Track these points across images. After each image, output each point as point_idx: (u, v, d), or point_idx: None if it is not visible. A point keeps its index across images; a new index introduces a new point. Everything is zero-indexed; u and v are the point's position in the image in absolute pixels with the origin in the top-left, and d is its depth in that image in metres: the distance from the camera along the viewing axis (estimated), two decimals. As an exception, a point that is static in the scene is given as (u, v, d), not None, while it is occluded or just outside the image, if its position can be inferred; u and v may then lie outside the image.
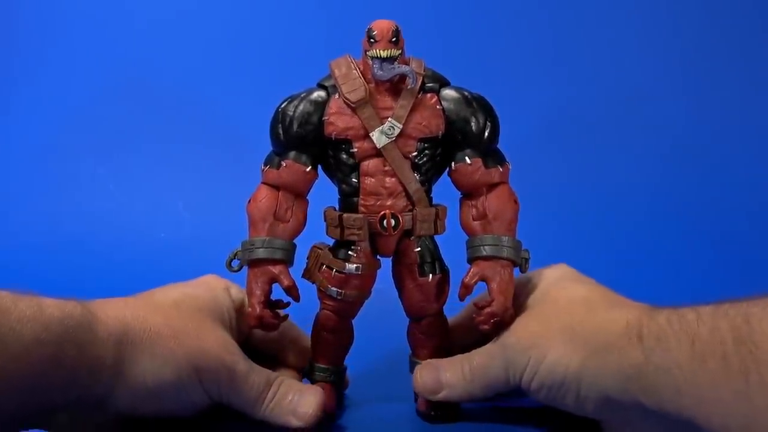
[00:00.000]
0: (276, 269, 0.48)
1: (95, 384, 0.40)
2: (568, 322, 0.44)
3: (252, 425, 0.47)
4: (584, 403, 0.43)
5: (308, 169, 0.49)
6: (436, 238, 0.51)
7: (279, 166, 0.49)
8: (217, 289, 0.50)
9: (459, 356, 0.49)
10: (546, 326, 0.45)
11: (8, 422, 0.38)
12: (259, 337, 0.53)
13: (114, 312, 0.42)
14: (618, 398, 0.40)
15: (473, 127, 0.49)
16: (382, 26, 0.47)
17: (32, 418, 0.40)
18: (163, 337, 0.43)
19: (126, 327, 0.42)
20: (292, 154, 0.49)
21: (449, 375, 0.48)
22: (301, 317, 0.52)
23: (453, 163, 0.50)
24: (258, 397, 0.46)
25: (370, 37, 0.47)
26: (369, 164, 0.49)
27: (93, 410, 0.42)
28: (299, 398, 0.47)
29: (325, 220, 0.51)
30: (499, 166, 0.50)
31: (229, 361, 0.45)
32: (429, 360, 0.50)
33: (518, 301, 0.50)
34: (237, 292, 0.51)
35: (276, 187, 0.49)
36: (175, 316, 0.45)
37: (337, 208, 0.51)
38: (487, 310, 0.48)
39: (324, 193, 0.52)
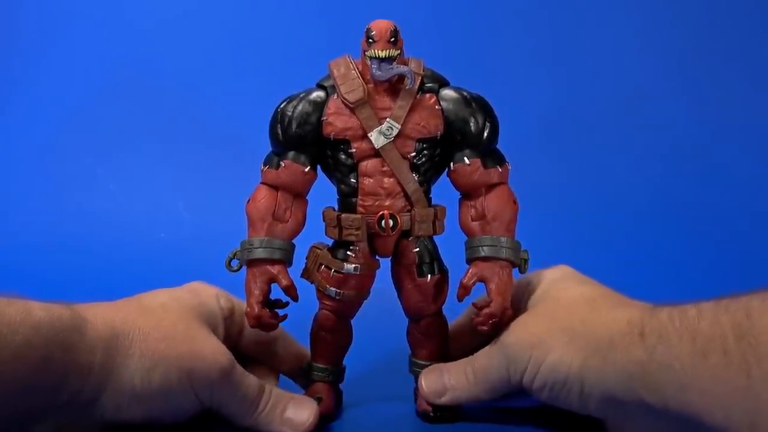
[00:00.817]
0: (274, 269, 0.48)
1: (83, 388, 0.40)
2: (570, 321, 0.44)
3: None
4: (587, 402, 0.42)
5: (307, 170, 0.49)
6: (436, 238, 0.51)
7: (278, 166, 0.49)
8: (206, 294, 0.50)
9: (463, 360, 0.49)
10: (547, 326, 0.45)
11: None
12: (248, 345, 0.53)
13: (102, 315, 0.42)
14: (621, 397, 0.40)
15: (472, 128, 0.49)
16: (380, 26, 0.47)
17: (18, 425, 0.39)
18: (153, 339, 0.42)
19: (114, 330, 0.41)
20: (291, 154, 0.49)
21: (453, 378, 0.48)
22: (300, 317, 0.52)
23: (452, 163, 0.49)
24: (252, 401, 0.45)
25: (368, 37, 0.47)
26: (367, 164, 0.49)
27: (79, 417, 0.41)
28: (295, 408, 0.47)
29: (323, 220, 0.51)
30: (498, 167, 0.49)
31: (224, 363, 0.44)
32: (434, 365, 0.50)
33: (518, 301, 0.50)
34: (226, 300, 0.51)
35: (275, 187, 0.49)
36: (164, 319, 0.44)
37: (336, 209, 0.51)
38: (486, 311, 0.48)
39: (324, 193, 0.52)
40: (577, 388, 0.42)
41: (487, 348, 0.48)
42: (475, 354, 0.48)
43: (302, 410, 0.47)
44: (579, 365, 0.42)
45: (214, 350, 0.44)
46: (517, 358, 0.45)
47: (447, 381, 0.48)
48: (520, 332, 0.46)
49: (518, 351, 0.45)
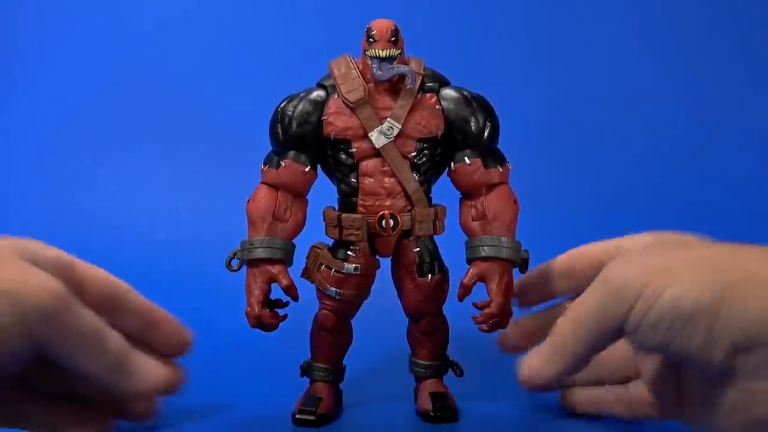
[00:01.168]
0: (275, 269, 0.48)
1: None
2: (693, 253, 0.38)
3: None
4: (712, 345, 0.35)
5: (307, 169, 0.49)
6: (436, 238, 0.51)
7: (278, 165, 0.49)
8: (35, 243, 0.43)
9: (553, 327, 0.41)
10: (662, 259, 0.37)
11: None
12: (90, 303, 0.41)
13: None
14: (761, 339, 0.34)
15: (473, 127, 0.49)
16: (381, 26, 0.47)
17: None
18: None
19: None
20: (291, 153, 0.49)
21: (550, 349, 0.40)
22: (300, 317, 0.52)
23: (452, 163, 0.50)
24: (93, 339, 0.37)
25: (369, 36, 0.47)
26: (368, 164, 0.49)
27: None
28: (145, 358, 0.40)
29: (324, 220, 0.51)
30: (498, 167, 0.49)
31: (56, 288, 0.36)
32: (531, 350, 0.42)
33: (591, 273, 0.44)
34: (64, 254, 0.44)
35: (275, 187, 0.50)
36: None
37: (336, 208, 0.51)
38: (486, 311, 0.48)
39: (324, 193, 0.52)
40: (705, 327, 0.34)
41: (582, 296, 0.39)
42: (564, 314, 0.40)
43: (152, 362, 0.40)
44: (714, 297, 0.34)
45: (45, 278, 0.37)
46: (625, 291, 0.36)
47: (546, 354, 0.40)
48: (627, 267, 0.37)
49: (628, 282, 0.36)
